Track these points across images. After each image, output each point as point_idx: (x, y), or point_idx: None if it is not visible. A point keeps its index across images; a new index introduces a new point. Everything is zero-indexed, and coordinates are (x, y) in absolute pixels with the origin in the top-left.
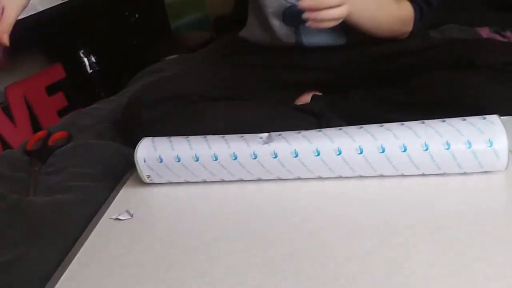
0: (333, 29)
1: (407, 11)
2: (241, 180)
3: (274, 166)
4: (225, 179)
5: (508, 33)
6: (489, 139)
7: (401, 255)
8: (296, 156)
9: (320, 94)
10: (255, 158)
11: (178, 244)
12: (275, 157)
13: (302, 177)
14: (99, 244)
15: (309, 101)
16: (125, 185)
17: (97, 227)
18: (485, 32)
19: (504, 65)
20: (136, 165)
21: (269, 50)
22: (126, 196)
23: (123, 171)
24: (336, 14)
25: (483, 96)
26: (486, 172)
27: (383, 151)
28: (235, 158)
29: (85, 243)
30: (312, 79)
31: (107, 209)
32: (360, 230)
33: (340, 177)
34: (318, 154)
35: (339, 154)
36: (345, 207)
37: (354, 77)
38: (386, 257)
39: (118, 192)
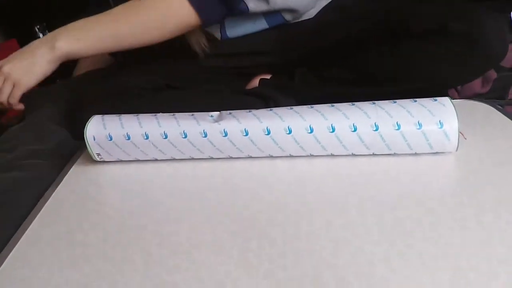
0: (251, 16)
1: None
2: (192, 159)
3: (224, 145)
4: (176, 158)
5: None
6: (439, 121)
7: (349, 234)
8: (246, 134)
9: (268, 77)
10: (205, 137)
11: (126, 223)
12: (225, 135)
13: (253, 155)
14: (48, 222)
15: (257, 85)
16: (76, 163)
17: (46, 205)
18: None
19: (440, 26)
20: (86, 143)
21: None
22: (76, 175)
23: (76, 149)
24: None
25: (427, 70)
26: (436, 153)
27: (333, 131)
28: (185, 136)
29: (34, 221)
30: (254, 64)
31: (56, 187)
32: (309, 209)
33: (290, 156)
34: (268, 133)
35: (289, 133)
36: (295, 186)
37: (295, 57)
38: (334, 235)
39: (68, 171)
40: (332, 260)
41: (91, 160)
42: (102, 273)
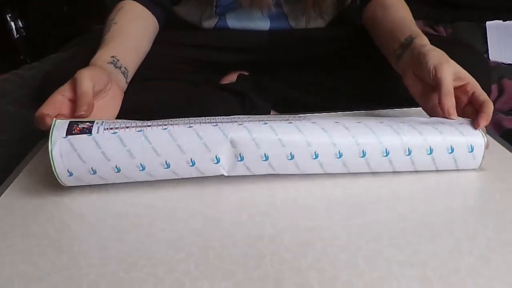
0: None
1: None
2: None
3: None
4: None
5: (440, 28)
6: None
7: (314, 236)
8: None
9: (247, 74)
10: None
11: (85, 216)
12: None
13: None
14: (2, 213)
15: (234, 81)
16: (36, 155)
17: (1, 198)
18: (419, 25)
19: None
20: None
21: (197, 30)
22: (35, 168)
23: (37, 139)
24: None
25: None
26: None
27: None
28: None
29: None
30: (237, 61)
31: (14, 178)
32: (275, 209)
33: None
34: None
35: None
36: (261, 186)
37: (282, 61)
38: (298, 239)
39: (29, 161)
40: (295, 263)
41: None
42: (57, 266)
